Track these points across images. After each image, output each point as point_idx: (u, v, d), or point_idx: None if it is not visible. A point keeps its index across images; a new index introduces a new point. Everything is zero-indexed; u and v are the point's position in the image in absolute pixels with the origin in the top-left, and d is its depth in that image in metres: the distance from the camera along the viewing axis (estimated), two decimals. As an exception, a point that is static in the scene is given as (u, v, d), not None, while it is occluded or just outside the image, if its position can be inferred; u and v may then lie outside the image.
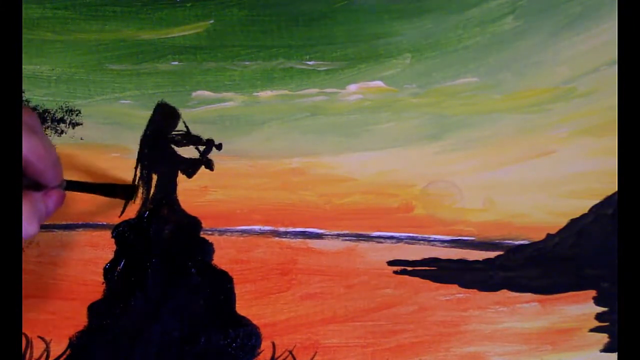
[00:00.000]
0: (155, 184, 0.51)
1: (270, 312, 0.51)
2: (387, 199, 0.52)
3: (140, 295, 0.50)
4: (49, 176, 0.40)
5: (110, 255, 0.50)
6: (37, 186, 0.40)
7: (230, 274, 0.51)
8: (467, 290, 0.52)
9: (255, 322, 0.51)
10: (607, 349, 0.52)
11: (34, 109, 0.50)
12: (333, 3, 0.52)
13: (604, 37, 0.53)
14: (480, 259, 0.53)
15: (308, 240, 0.52)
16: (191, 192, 0.51)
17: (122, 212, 0.50)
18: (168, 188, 0.51)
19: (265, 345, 0.51)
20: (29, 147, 0.37)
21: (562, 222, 0.53)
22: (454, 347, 0.52)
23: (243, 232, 0.51)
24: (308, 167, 0.52)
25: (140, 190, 0.51)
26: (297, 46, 0.52)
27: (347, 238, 0.52)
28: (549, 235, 0.53)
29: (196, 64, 0.51)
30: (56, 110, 0.50)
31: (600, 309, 0.53)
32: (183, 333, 0.50)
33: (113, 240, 0.50)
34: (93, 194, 0.48)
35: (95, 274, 0.50)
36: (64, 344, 0.49)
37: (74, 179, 0.45)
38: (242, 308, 0.51)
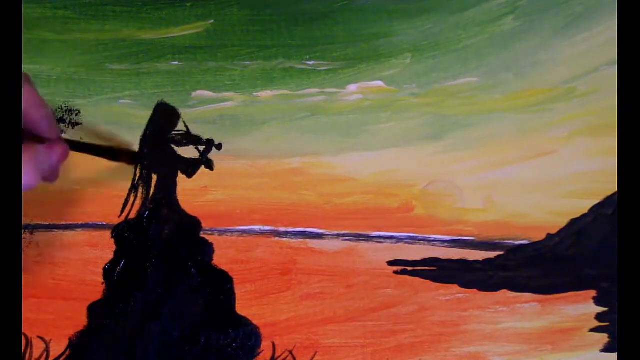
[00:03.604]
0: (155, 184, 0.51)
1: (270, 312, 0.51)
2: (387, 199, 0.52)
3: (140, 295, 0.50)
4: (45, 126, 0.40)
5: (110, 255, 0.50)
6: (37, 140, 0.40)
7: (230, 274, 0.51)
8: (467, 290, 0.52)
9: (255, 322, 0.51)
10: (607, 349, 0.52)
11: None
12: (333, 3, 0.52)
13: (604, 37, 0.53)
14: (480, 259, 0.53)
15: (308, 240, 0.52)
16: (191, 192, 0.51)
17: (122, 212, 0.50)
18: (168, 188, 0.51)
19: (265, 345, 0.51)
20: (24, 96, 0.37)
21: (562, 222, 0.53)
22: (454, 347, 0.52)
23: (243, 232, 0.51)
24: (308, 167, 0.52)
25: (140, 190, 0.51)
26: (297, 46, 0.52)
27: (347, 238, 0.52)
28: (549, 235, 0.53)
29: (196, 64, 0.51)
30: (56, 110, 0.50)
31: (600, 309, 0.53)
32: (183, 333, 0.50)
33: (113, 240, 0.50)
34: (96, 156, 0.47)
35: (95, 274, 0.50)
36: (64, 344, 0.49)
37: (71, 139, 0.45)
38: (242, 308, 0.51)
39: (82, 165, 0.50)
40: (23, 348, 0.49)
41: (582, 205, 0.53)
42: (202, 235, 0.51)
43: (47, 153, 0.40)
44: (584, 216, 0.53)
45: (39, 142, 0.40)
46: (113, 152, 0.49)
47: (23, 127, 0.38)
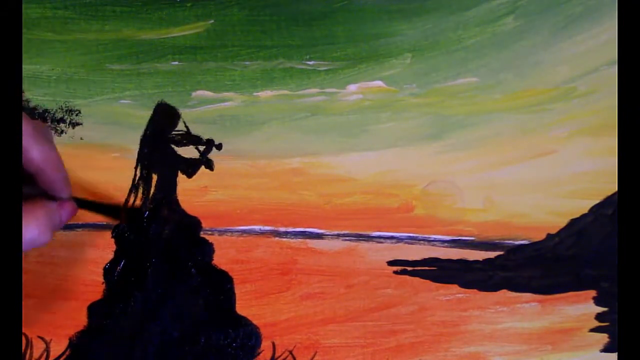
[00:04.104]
0: (155, 184, 0.51)
1: (270, 312, 0.51)
2: (387, 199, 0.52)
3: (140, 295, 0.50)
4: (61, 186, 0.41)
5: (110, 255, 0.50)
6: (48, 197, 0.41)
7: (230, 274, 0.51)
8: (467, 290, 0.52)
9: (255, 322, 0.51)
10: (607, 349, 0.52)
11: (34, 108, 0.50)
12: (333, 3, 0.52)
13: (604, 37, 0.53)
14: (480, 259, 0.53)
15: (308, 240, 0.52)
16: (191, 192, 0.51)
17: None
18: (168, 188, 0.51)
19: (265, 345, 0.51)
20: (45, 155, 0.38)
21: (562, 222, 0.53)
22: (454, 347, 0.52)
23: (243, 232, 0.51)
24: (308, 167, 0.52)
25: (140, 190, 0.51)
26: (297, 46, 0.52)
27: (347, 238, 0.52)
28: (549, 235, 0.53)
29: (196, 64, 0.51)
30: (56, 110, 0.50)
31: (600, 309, 0.53)
32: (183, 333, 0.50)
33: (113, 240, 0.50)
34: (100, 214, 0.48)
35: (95, 274, 0.50)
36: (64, 344, 0.49)
37: (78, 196, 0.46)
38: (242, 308, 0.51)
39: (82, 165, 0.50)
40: (23, 348, 0.49)
41: (582, 205, 0.53)
42: (202, 235, 0.51)
43: (58, 211, 0.41)
44: (584, 216, 0.53)
45: (51, 199, 0.41)
46: (116, 211, 0.49)
47: (40, 185, 0.39)
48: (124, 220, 0.50)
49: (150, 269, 0.50)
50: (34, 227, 0.37)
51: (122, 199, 0.50)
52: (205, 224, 0.51)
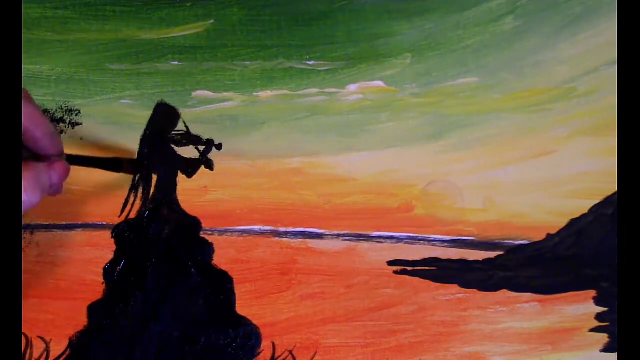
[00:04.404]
0: (155, 184, 0.51)
1: (270, 312, 0.51)
2: (387, 199, 0.52)
3: (140, 295, 0.50)
4: (48, 144, 0.39)
5: (110, 255, 0.50)
6: (39, 158, 0.40)
7: (230, 274, 0.51)
8: (467, 290, 0.52)
9: (255, 322, 0.51)
10: (607, 349, 0.52)
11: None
12: (333, 3, 0.52)
13: (604, 37, 0.53)
14: (480, 259, 0.53)
15: (308, 240, 0.52)
16: (191, 192, 0.51)
17: (122, 212, 0.50)
18: (168, 188, 0.51)
19: (265, 345, 0.51)
20: (26, 114, 0.37)
21: (562, 222, 0.53)
22: (454, 347, 0.52)
23: (243, 232, 0.51)
24: (308, 167, 0.52)
25: (140, 190, 0.51)
26: (297, 46, 0.52)
27: (347, 238, 0.52)
28: (549, 235, 0.53)
29: (196, 64, 0.51)
30: (56, 110, 0.50)
31: (600, 309, 0.53)
32: (183, 333, 0.50)
33: (113, 240, 0.50)
34: (98, 168, 0.47)
35: (95, 274, 0.50)
36: (64, 344, 0.49)
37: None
38: (242, 308, 0.51)
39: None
40: (23, 348, 0.49)
41: (582, 205, 0.53)
42: (202, 235, 0.51)
43: (48, 172, 0.40)
44: (584, 216, 0.53)
45: (40, 159, 0.40)
46: (115, 164, 0.48)
47: (24, 144, 0.38)
48: (126, 171, 0.49)
49: (150, 269, 0.50)
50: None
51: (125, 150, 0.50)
52: (205, 224, 0.51)
